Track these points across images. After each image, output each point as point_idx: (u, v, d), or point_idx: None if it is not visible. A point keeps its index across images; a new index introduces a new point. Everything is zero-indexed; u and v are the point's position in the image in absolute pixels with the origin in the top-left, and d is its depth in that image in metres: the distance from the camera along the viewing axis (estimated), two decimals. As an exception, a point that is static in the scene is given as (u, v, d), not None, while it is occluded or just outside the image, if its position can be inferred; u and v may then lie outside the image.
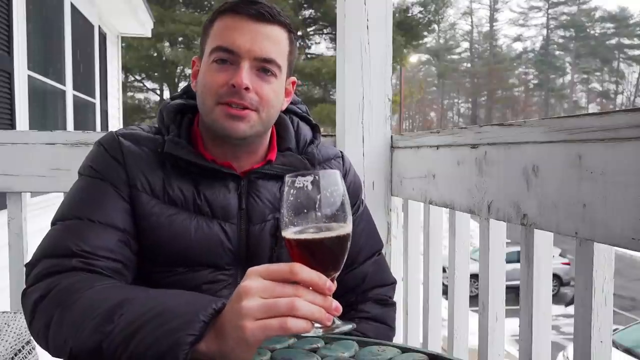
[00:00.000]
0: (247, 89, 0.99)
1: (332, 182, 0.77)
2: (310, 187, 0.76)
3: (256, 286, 0.72)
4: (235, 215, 1.06)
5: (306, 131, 1.17)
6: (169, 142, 1.04)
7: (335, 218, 0.76)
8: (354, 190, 1.22)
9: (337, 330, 0.77)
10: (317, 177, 0.76)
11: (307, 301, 0.71)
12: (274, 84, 1.04)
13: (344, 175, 1.20)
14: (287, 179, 0.77)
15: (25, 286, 0.96)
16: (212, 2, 21.56)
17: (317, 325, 0.74)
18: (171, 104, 1.11)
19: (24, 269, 0.99)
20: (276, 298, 0.71)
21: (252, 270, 0.75)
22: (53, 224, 1.01)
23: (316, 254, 0.76)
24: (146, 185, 1.03)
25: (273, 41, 1.02)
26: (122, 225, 1.00)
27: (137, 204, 1.02)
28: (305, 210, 0.76)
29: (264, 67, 1.02)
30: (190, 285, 1.02)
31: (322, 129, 1.23)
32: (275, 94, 1.05)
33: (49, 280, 0.91)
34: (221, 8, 1.04)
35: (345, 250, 0.78)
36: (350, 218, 0.78)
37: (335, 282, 0.77)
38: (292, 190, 0.76)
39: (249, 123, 1.01)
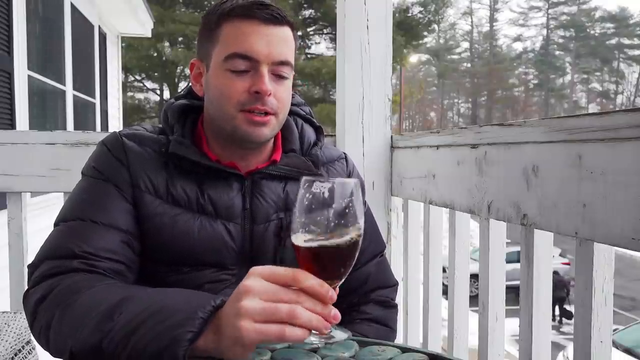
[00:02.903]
0: (269, 94, 1.00)
1: (348, 193, 0.75)
2: (326, 194, 0.74)
3: (258, 287, 0.72)
4: (239, 215, 1.06)
5: (310, 133, 1.17)
6: (173, 142, 1.04)
7: (347, 229, 0.75)
8: None
9: (332, 341, 0.76)
10: (334, 185, 0.75)
11: (307, 308, 0.71)
12: (287, 84, 1.04)
13: (347, 177, 1.20)
14: (304, 181, 0.75)
15: (27, 287, 0.96)
16: (212, 2, 21.55)
17: (313, 332, 0.73)
18: (175, 104, 1.11)
19: (25, 269, 0.99)
20: (276, 303, 0.71)
21: (254, 270, 0.74)
22: (56, 224, 1.01)
23: (323, 263, 0.75)
24: (150, 186, 1.03)
25: (286, 43, 1.03)
26: (124, 227, 1.00)
27: (140, 204, 1.02)
28: (318, 218, 0.74)
29: (280, 69, 1.02)
30: (193, 284, 1.02)
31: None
32: (289, 94, 1.06)
33: (51, 281, 0.91)
34: (225, 11, 1.02)
35: (353, 261, 0.77)
36: (362, 230, 0.76)
37: (337, 289, 0.76)
38: (307, 195, 0.74)
39: (269, 127, 1.02)
